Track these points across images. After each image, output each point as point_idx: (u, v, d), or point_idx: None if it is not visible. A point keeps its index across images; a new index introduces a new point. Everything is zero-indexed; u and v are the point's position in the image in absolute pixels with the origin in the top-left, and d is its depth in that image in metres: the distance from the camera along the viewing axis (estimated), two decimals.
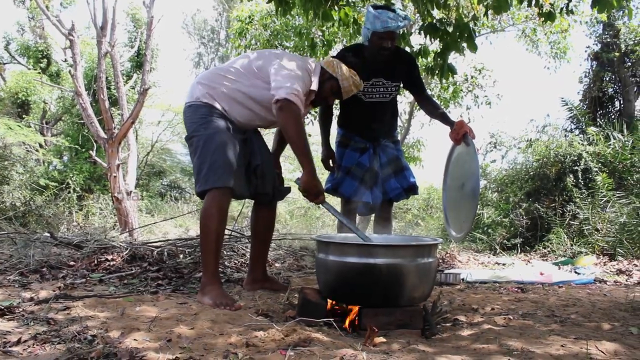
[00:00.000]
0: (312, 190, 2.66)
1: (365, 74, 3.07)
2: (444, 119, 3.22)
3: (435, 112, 3.40)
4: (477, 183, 2.87)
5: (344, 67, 2.82)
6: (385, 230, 3.53)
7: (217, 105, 2.70)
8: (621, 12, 8.57)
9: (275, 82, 2.60)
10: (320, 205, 2.77)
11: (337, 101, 3.47)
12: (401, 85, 3.41)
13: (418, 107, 11.23)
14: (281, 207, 13.62)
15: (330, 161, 3.49)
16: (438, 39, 4.21)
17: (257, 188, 2.87)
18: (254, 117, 2.77)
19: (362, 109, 3.34)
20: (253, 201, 3.08)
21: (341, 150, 3.46)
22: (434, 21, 4.18)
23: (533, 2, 4.30)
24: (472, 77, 11.22)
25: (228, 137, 2.65)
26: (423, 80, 3.58)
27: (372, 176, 3.37)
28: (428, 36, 4.15)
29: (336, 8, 4.45)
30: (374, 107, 3.36)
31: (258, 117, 2.78)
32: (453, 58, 9.67)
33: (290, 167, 17.53)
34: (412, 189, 3.46)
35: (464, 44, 4.01)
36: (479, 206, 2.97)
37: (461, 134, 2.97)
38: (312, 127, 11.14)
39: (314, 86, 2.77)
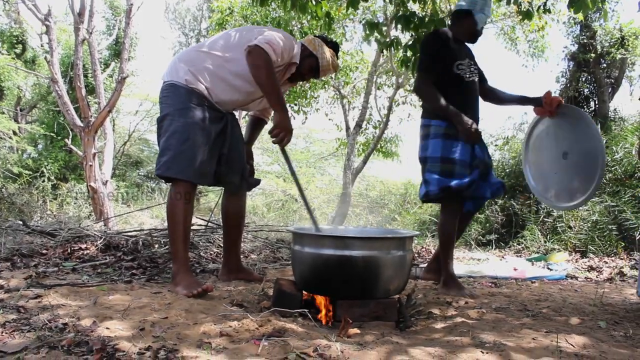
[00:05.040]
0: (285, 128, 2.64)
1: (461, 54, 3.04)
2: (524, 98, 3.20)
3: (509, 95, 3.29)
4: (596, 145, 2.80)
5: (325, 47, 2.82)
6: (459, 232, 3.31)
7: (200, 86, 2.66)
8: (597, 13, 8.70)
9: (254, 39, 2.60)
10: (281, 152, 2.76)
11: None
12: None
13: (397, 103, 11.33)
14: (258, 199, 13.57)
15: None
16: (411, 32, 4.20)
17: (222, 176, 2.82)
18: (237, 93, 2.74)
19: (465, 90, 3.07)
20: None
21: (450, 142, 2.99)
22: (408, 13, 4.17)
23: (512, 0, 4.34)
24: None
25: (201, 129, 2.62)
26: (400, 73, 3.58)
27: (484, 168, 3.08)
28: (400, 27, 4.15)
29: (314, 2, 4.42)
30: (473, 86, 3.12)
31: (240, 92, 2.75)
32: None
33: (268, 160, 17.47)
34: (504, 186, 3.20)
35: None
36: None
37: (555, 106, 2.95)
38: None
39: (296, 58, 2.77)
